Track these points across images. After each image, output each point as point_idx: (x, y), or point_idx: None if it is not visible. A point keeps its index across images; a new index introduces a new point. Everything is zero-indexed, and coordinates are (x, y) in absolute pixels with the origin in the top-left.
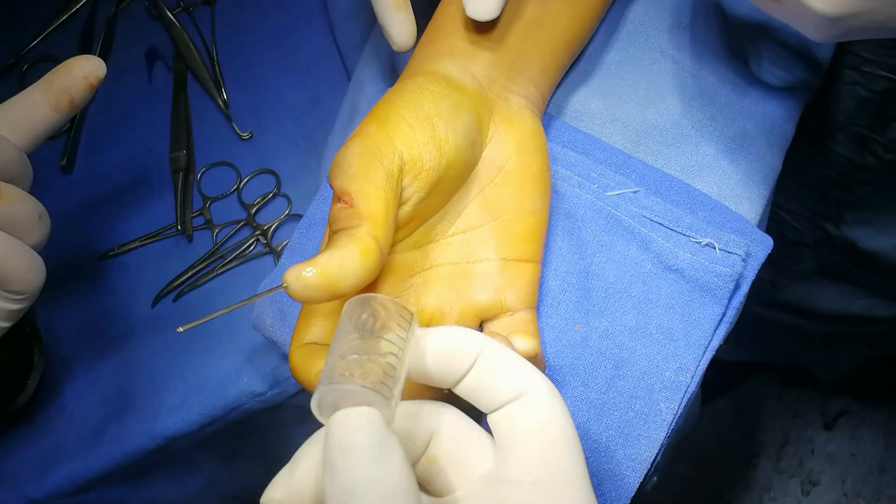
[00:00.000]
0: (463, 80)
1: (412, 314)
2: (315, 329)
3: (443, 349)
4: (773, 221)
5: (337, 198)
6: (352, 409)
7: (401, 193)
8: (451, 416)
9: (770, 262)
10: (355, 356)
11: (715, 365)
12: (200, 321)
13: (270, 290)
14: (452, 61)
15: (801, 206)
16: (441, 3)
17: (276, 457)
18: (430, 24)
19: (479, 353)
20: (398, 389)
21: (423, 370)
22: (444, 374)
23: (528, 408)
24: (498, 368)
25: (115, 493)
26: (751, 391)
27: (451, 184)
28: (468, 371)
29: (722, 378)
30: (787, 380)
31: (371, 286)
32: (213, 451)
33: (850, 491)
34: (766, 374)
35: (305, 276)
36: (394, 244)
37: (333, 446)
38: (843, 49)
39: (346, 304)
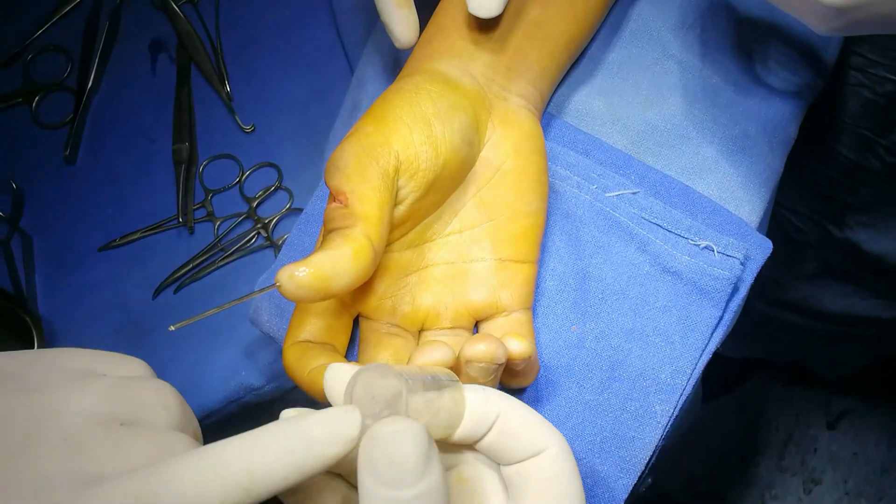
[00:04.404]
0: (462, 79)
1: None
2: (309, 327)
3: (473, 412)
4: (777, 221)
5: (332, 197)
6: (400, 422)
7: (396, 193)
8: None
9: (775, 262)
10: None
11: (719, 362)
12: (192, 320)
13: (263, 289)
14: (451, 61)
15: (805, 206)
16: (441, 2)
17: None
18: (430, 22)
19: (498, 415)
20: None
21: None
22: (469, 435)
23: (542, 468)
24: (516, 431)
25: None
26: (754, 389)
27: (447, 184)
28: (487, 432)
29: (726, 375)
30: (791, 378)
31: (366, 285)
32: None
33: (852, 490)
34: (769, 372)
35: (298, 275)
36: (389, 243)
37: (379, 457)
38: (849, 50)
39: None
